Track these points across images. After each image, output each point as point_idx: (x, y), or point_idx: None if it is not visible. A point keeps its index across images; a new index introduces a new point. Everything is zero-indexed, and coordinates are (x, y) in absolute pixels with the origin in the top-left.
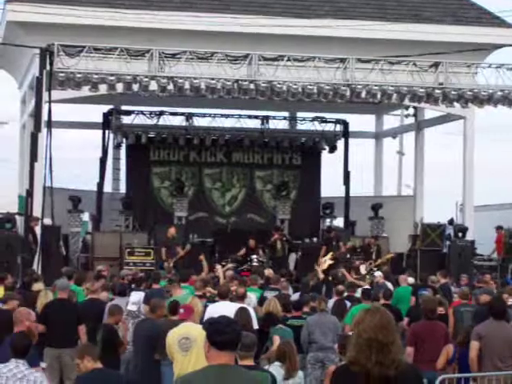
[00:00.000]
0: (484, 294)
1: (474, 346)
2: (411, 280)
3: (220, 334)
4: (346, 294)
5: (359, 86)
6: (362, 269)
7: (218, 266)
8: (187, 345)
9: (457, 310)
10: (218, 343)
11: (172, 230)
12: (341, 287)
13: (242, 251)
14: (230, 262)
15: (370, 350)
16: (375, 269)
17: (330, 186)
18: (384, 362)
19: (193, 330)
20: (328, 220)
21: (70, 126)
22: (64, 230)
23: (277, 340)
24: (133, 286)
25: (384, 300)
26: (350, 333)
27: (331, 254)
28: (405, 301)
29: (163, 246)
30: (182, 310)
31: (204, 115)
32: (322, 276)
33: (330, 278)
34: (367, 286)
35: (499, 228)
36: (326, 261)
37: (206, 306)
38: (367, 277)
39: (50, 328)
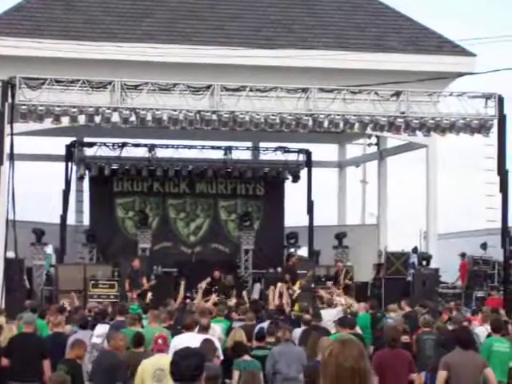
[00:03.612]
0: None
1: (442, 375)
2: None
3: (173, 364)
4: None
5: (321, 116)
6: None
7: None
8: (161, 376)
9: (420, 339)
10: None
11: (136, 263)
12: (307, 317)
13: (206, 281)
14: (196, 293)
15: (353, 378)
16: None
17: (294, 215)
18: None
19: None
20: (292, 250)
21: (32, 159)
22: (28, 262)
23: (236, 375)
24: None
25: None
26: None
27: (299, 282)
28: (365, 328)
29: (127, 278)
30: (160, 341)
31: (167, 146)
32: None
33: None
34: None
35: (463, 255)
36: (296, 291)
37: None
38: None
39: (15, 362)
